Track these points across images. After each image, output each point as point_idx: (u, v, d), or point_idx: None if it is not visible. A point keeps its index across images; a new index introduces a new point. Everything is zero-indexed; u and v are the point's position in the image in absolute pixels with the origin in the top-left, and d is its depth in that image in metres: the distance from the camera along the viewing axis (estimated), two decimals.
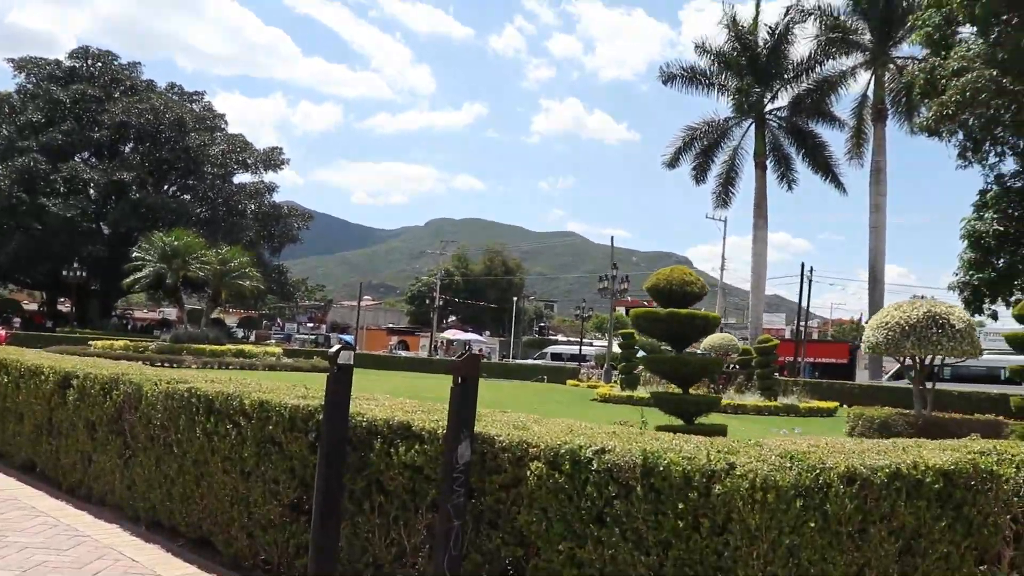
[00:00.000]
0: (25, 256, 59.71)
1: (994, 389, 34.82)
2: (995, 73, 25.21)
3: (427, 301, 77.59)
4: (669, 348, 10.26)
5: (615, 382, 37.50)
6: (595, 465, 3.96)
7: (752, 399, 25.56)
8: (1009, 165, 31.62)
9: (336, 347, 5.37)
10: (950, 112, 26.02)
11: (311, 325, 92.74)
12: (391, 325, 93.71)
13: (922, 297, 16.46)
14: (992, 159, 31.69)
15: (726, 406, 24.43)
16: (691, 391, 27.04)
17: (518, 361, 53.54)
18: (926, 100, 31.29)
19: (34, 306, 78.30)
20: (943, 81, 26.80)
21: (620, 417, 18.65)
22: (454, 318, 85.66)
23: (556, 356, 59.48)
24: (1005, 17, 26.31)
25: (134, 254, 40.02)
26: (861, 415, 10.59)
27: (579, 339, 64.99)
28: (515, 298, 78.88)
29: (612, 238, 56.98)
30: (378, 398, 6.39)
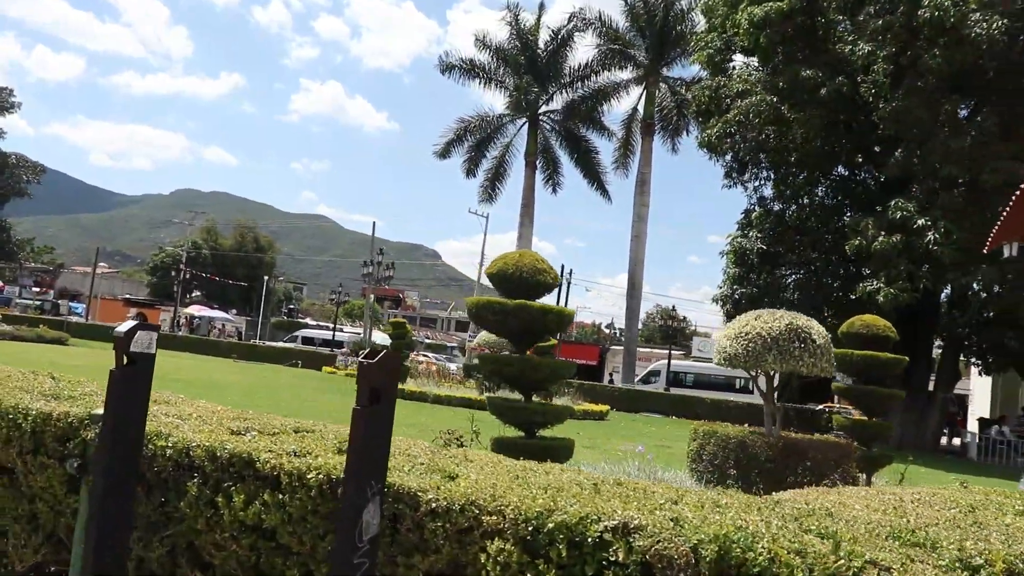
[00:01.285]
0: None
1: (731, 396, 36.80)
2: (775, 99, 26.14)
3: (173, 273, 72.41)
4: (511, 347, 9.02)
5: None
6: (618, 555, 2.39)
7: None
8: (768, 190, 33.20)
9: (129, 324, 3.73)
10: (732, 130, 26.77)
11: (36, 290, 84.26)
12: (128, 296, 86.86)
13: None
14: (756, 182, 33.18)
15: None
16: (484, 393, 26.49)
17: (269, 343, 50.73)
18: (701, 118, 32.37)
19: None
20: (727, 100, 27.56)
21: (437, 422, 17.47)
22: (199, 293, 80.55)
23: (307, 340, 57.10)
24: (782, 49, 27.46)
25: None
26: (713, 433, 9.83)
27: (332, 324, 62.82)
28: (266, 277, 75.31)
29: (373, 224, 55.46)
30: (176, 402, 4.66)
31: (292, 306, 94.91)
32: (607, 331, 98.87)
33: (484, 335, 28.76)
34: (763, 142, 28.95)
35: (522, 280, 7.99)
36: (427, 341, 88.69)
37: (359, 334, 65.75)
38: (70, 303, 78.14)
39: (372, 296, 61.68)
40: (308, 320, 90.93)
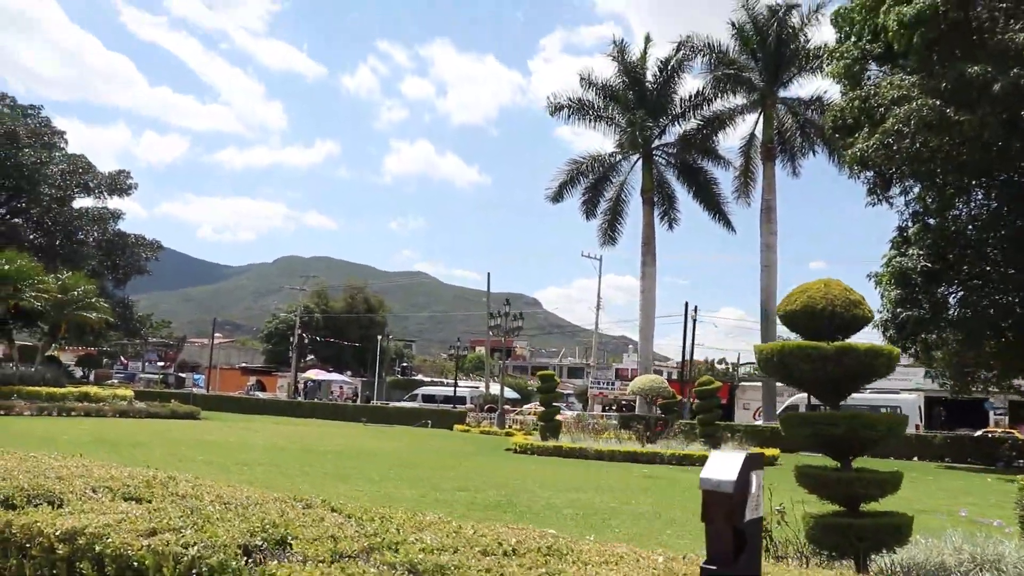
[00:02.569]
0: None
1: None
2: (937, 103, 23.87)
3: (290, 339, 72.51)
4: (816, 400, 7.17)
5: (532, 430, 34.60)
6: None
7: (697, 449, 22.83)
8: (919, 203, 30.68)
9: None
10: (889, 140, 24.52)
11: (161, 364, 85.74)
12: (244, 364, 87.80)
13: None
14: (904, 197, 30.73)
15: (670, 457, 21.80)
16: (647, 444, 24.47)
17: (394, 403, 49.81)
18: (839, 134, 30.14)
19: None
20: (880, 110, 25.35)
21: (600, 480, 15.80)
22: (312, 357, 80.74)
23: (428, 398, 56.01)
24: (938, 48, 25.23)
25: None
26: None
27: (453, 380, 61.58)
28: (379, 336, 74.84)
29: (488, 275, 54.41)
30: None
31: (405, 364, 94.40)
32: (720, 367, 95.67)
33: (640, 382, 26.88)
34: (917, 152, 26.60)
35: (835, 316, 6.25)
36: (568, 392, 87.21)
37: (477, 387, 64.52)
38: (193, 375, 79.12)
39: (489, 348, 60.38)
40: (420, 376, 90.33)
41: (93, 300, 35.41)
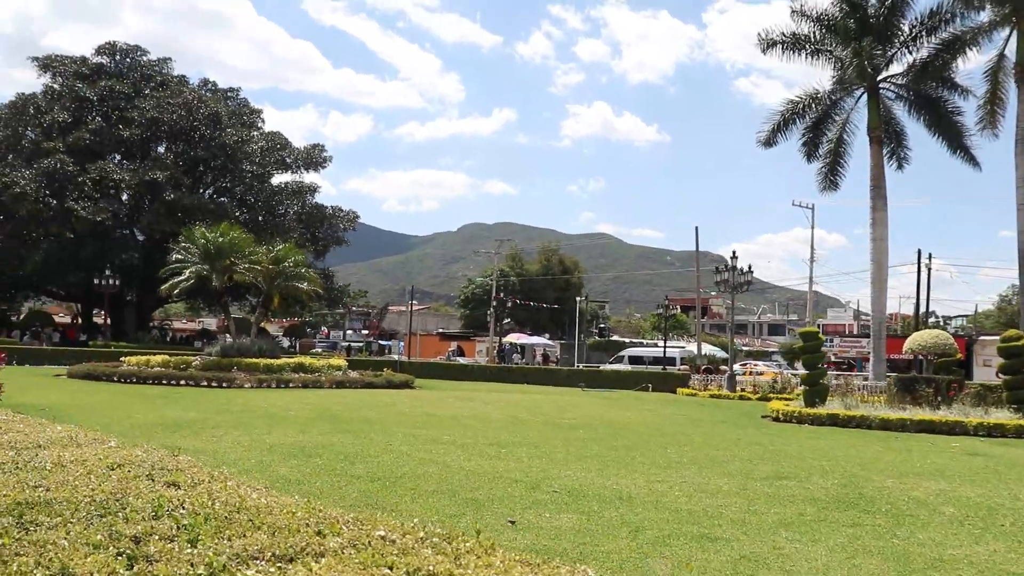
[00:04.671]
0: (55, 265, 55.14)
1: None
2: None
3: (488, 303, 71.79)
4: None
5: (768, 393, 31.93)
6: None
7: (1007, 417, 19.29)
8: None
9: None
10: None
11: (365, 332, 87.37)
12: (442, 330, 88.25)
13: None
14: None
15: (976, 427, 18.50)
16: (897, 402, 21.35)
17: (610, 366, 47.77)
18: None
19: (68, 319, 73.65)
20: None
21: (923, 461, 13.09)
22: (508, 320, 80.00)
23: (635, 359, 53.73)
24: None
25: (173, 256, 34.70)
26: None
27: (658, 341, 58.96)
28: (577, 298, 73.07)
29: (696, 229, 51.39)
30: None
31: (602, 325, 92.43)
32: (931, 320, 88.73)
33: (921, 337, 23.55)
34: None
35: None
36: (745, 348, 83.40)
37: (682, 347, 61.75)
38: (391, 343, 80.00)
39: (700, 306, 57.38)
40: (616, 337, 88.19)
41: (304, 271, 35.08)
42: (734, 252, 35.91)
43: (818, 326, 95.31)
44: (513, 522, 7.64)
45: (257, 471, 9.98)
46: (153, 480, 3.84)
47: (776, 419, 21.47)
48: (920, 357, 24.58)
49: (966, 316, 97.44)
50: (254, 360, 30.36)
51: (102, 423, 14.48)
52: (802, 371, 52.13)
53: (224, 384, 27.82)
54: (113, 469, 4.08)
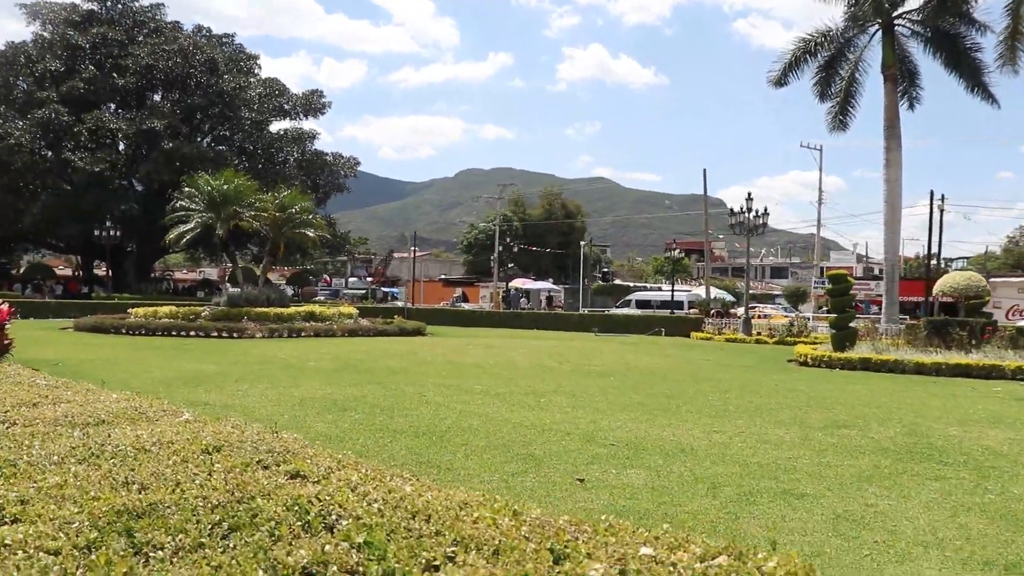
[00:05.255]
0: (54, 217, 54.38)
1: None
2: None
3: (491, 249, 71.10)
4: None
5: (785, 336, 31.50)
6: None
7: None
8: None
9: None
10: None
11: (369, 279, 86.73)
12: (444, 276, 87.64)
13: None
14: None
15: (1015, 371, 17.95)
16: (928, 345, 20.79)
17: (621, 311, 47.23)
18: None
19: (68, 271, 73.03)
20: None
21: (974, 407, 12.54)
22: (511, 265, 79.35)
23: (642, 303, 53.11)
24: None
25: (177, 203, 33.93)
26: None
27: (664, 284, 58.35)
28: (581, 242, 72.36)
29: (704, 172, 50.63)
30: None
31: (605, 269, 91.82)
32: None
33: (954, 279, 22.94)
34: None
35: None
36: (777, 293, 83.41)
37: (688, 291, 61.24)
38: (393, 290, 79.45)
39: (709, 248, 56.75)
40: (618, 281, 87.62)
41: (310, 217, 34.38)
42: (749, 194, 35.18)
43: (820, 269, 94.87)
44: (582, 480, 7.16)
45: (292, 427, 9.47)
46: (269, 469, 3.21)
47: (804, 363, 20.97)
48: (939, 299, 24.05)
49: (967, 258, 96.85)
50: (264, 310, 29.81)
51: (120, 379, 13.98)
52: (809, 313, 51.83)
53: (235, 335, 27.33)
54: (209, 453, 3.46)
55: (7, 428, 4.11)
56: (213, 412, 10.18)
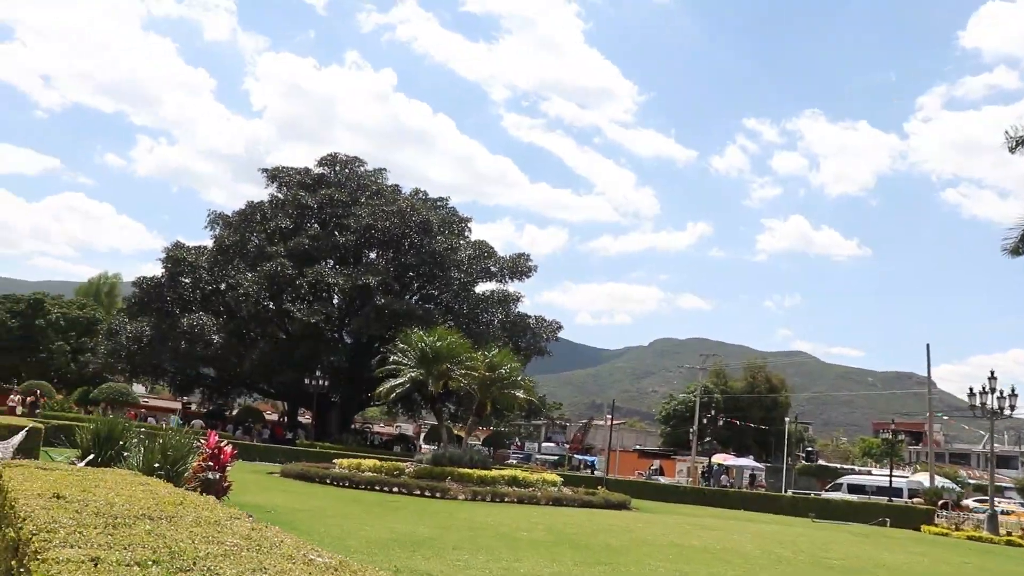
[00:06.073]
0: (269, 363, 56.83)
1: None
2: None
3: (690, 421, 68.74)
4: None
5: None
6: None
7: None
8: None
9: None
10: None
11: (567, 445, 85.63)
12: (640, 447, 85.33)
13: None
14: None
15: None
16: None
17: (834, 496, 43.88)
18: None
19: (275, 416, 75.94)
20: None
21: None
22: (708, 439, 76.35)
23: (855, 488, 49.29)
24: None
25: (389, 357, 34.40)
26: None
27: (890, 469, 54.10)
28: (786, 418, 68.91)
29: (928, 347, 47.20)
30: None
31: (809, 448, 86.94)
32: None
33: None
34: None
35: None
36: (972, 482, 76.40)
37: (905, 477, 56.51)
38: (587, 457, 77.79)
39: (931, 430, 52.45)
40: (822, 462, 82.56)
41: (519, 379, 33.95)
42: (992, 372, 32.13)
43: None
44: None
45: None
46: None
47: None
48: None
49: None
50: (467, 471, 29.11)
51: (335, 535, 13.37)
52: None
53: (437, 494, 26.64)
54: None
55: None
56: None
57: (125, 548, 3.46)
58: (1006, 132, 40.07)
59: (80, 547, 3.41)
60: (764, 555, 16.49)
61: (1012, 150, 40.29)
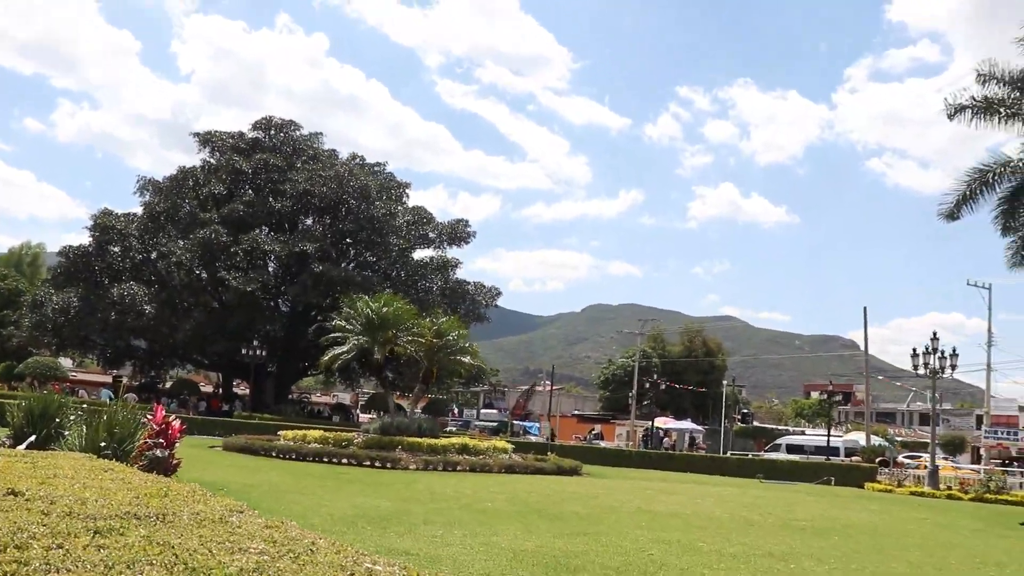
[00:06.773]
0: (203, 334, 55.18)
1: None
2: None
3: (628, 385, 68.92)
4: None
5: (983, 491, 28.36)
6: None
7: None
8: None
9: None
10: None
11: (507, 411, 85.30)
12: (578, 412, 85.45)
13: None
14: None
15: None
16: None
17: (775, 456, 44.20)
18: None
19: (209, 388, 74.14)
20: None
21: None
22: (647, 403, 76.75)
23: (793, 449, 49.92)
24: None
25: (335, 322, 33.38)
26: None
27: (828, 429, 54.78)
28: (724, 382, 69.52)
29: (865, 310, 47.80)
30: None
31: (745, 411, 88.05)
32: None
33: None
34: None
35: None
36: (900, 439, 78.45)
37: (840, 436, 57.45)
38: (525, 424, 77.53)
39: (866, 391, 53.29)
40: (756, 423, 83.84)
41: (467, 345, 33.25)
42: (935, 333, 32.41)
43: (977, 416, 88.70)
44: None
45: None
46: None
47: None
48: None
49: None
50: (416, 439, 28.45)
51: (296, 512, 12.59)
52: (978, 466, 47.44)
53: (388, 464, 25.92)
54: None
55: None
56: (421, 564, 8.55)
57: (128, 567, 2.71)
58: (945, 99, 40.21)
59: (70, 571, 2.63)
60: (733, 519, 16.18)
61: (951, 117, 40.61)
